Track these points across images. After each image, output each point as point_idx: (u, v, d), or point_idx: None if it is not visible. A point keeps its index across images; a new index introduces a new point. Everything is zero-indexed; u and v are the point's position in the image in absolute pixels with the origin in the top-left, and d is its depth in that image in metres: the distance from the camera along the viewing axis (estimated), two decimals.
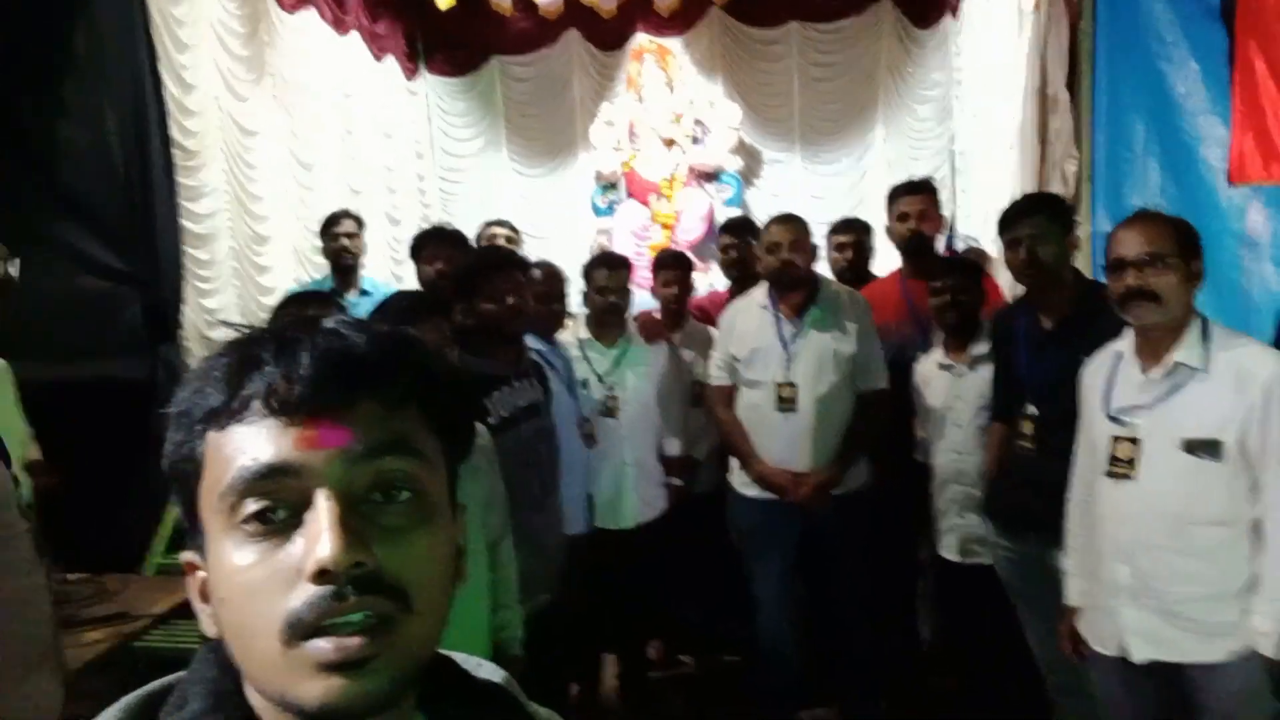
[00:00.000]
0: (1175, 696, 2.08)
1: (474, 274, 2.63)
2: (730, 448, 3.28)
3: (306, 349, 0.61)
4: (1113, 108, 3.80)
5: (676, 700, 3.70)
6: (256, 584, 0.58)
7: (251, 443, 0.59)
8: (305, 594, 0.56)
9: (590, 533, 3.08)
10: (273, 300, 5.24)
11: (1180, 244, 2.03)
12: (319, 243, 4.33)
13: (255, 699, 0.63)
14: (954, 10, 6.24)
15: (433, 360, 0.67)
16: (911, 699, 3.34)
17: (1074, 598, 2.31)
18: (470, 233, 4.27)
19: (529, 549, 2.34)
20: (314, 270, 5.52)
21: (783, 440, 3.10)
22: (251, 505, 0.59)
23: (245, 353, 0.62)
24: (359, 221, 4.15)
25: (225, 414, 0.60)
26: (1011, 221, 2.67)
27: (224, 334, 0.67)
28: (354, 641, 0.56)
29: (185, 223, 4.61)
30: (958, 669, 3.48)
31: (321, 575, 0.56)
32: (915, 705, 3.34)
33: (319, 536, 0.57)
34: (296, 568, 0.57)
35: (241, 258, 5.28)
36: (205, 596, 0.64)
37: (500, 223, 4.52)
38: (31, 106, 3.86)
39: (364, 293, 4.07)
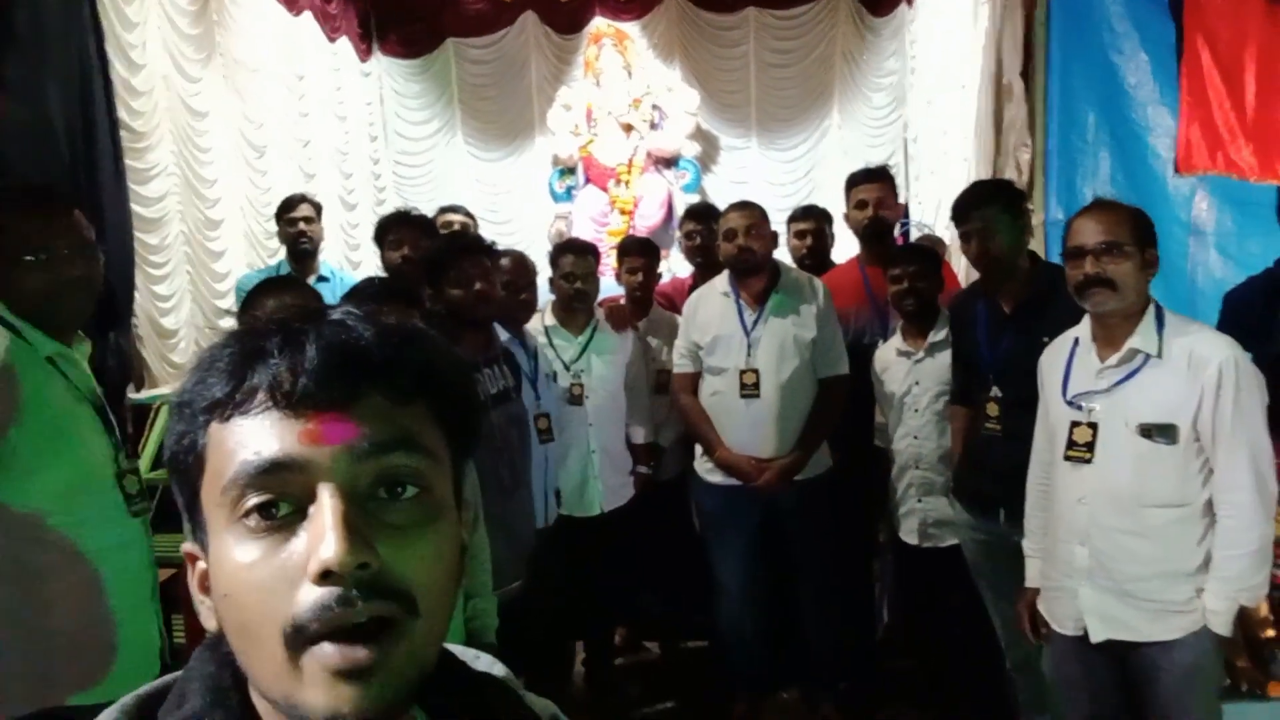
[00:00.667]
0: (1131, 675, 2.15)
1: (442, 260, 2.60)
2: (694, 434, 3.30)
3: (312, 341, 0.60)
4: (1065, 97, 3.87)
5: (641, 687, 3.72)
6: (260, 582, 0.57)
7: (255, 436, 0.58)
8: (310, 597, 0.56)
9: (553, 526, 3.06)
10: (226, 285, 5.19)
11: (1136, 232, 2.08)
12: (272, 227, 4.25)
13: (256, 695, 0.62)
14: None
15: (440, 354, 0.66)
16: (871, 680, 3.40)
17: (1033, 579, 2.37)
18: None
19: (499, 536, 2.33)
20: (267, 255, 5.44)
21: (746, 426, 3.13)
22: (254, 500, 0.58)
23: (250, 343, 0.60)
24: (316, 206, 4.08)
25: (229, 405, 0.59)
26: (963, 214, 2.70)
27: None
28: (360, 652, 0.55)
29: (134, 206, 4.50)
30: (916, 651, 3.55)
31: (325, 576, 0.55)
32: (875, 687, 3.40)
33: (323, 535, 0.56)
34: (300, 566, 0.56)
35: (193, 242, 5.18)
36: (206, 588, 0.62)
37: (455, 208, 4.46)
38: None
39: (322, 278, 4.01)
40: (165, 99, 4.90)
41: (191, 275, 5.15)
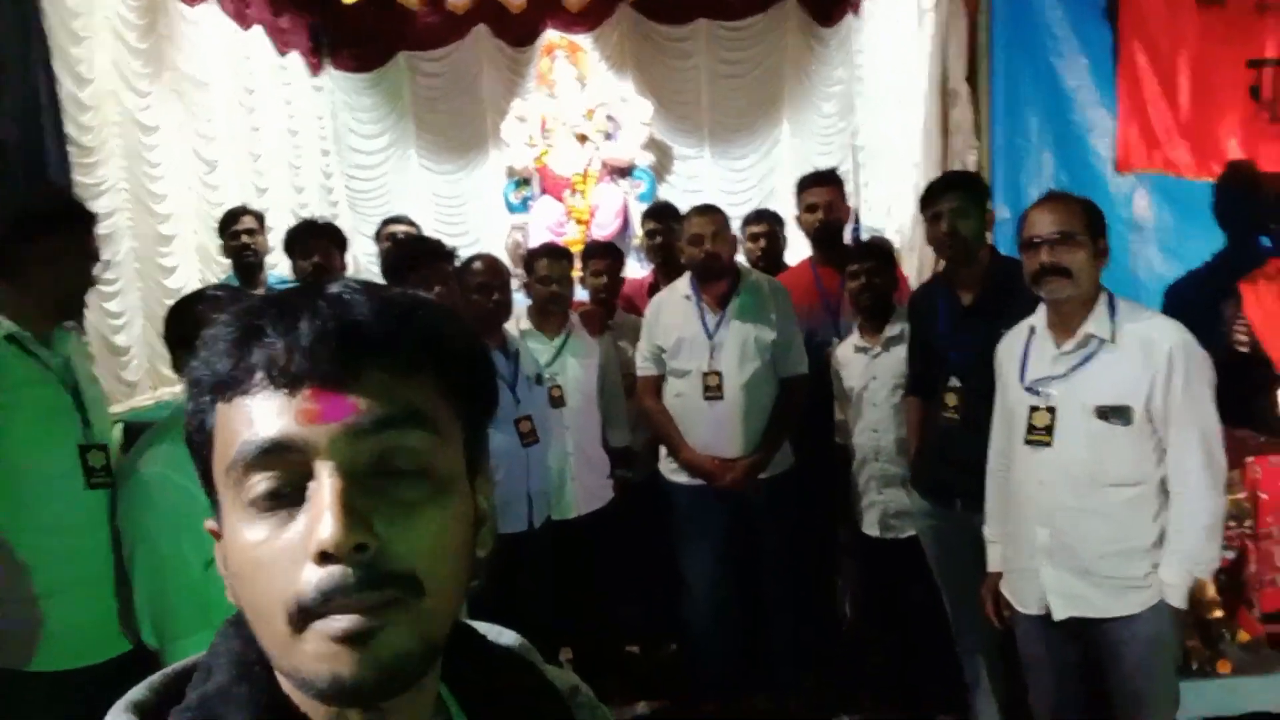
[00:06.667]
0: (1094, 651, 2.21)
1: (400, 265, 2.61)
2: (659, 436, 3.33)
3: (308, 317, 0.58)
4: (1009, 101, 3.97)
5: (618, 687, 3.70)
6: (265, 561, 0.57)
7: (255, 416, 0.58)
8: (312, 578, 0.55)
9: (532, 530, 3.05)
10: None
11: (1088, 222, 2.17)
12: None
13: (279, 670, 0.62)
14: (855, 9, 6.43)
15: (446, 323, 0.64)
16: (837, 675, 3.44)
17: (995, 563, 2.44)
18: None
19: None
20: (220, 270, 5.36)
21: (710, 427, 3.17)
22: (257, 479, 0.58)
23: (248, 321, 0.60)
24: (259, 217, 4.03)
25: (230, 385, 0.59)
26: (933, 197, 2.79)
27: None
28: (360, 619, 0.55)
29: None
30: (881, 645, 3.59)
31: (323, 556, 0.55)
32: (841, 682, 3.44)
33: (320, 516, 0.55)
34: (301, 545, 0.56)
35: (144, 258, 5.09)
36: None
37: (399, 219, 4.47)
38: None
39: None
40: (114, 114, 4.82)
41: (143, 291, 5.06)
